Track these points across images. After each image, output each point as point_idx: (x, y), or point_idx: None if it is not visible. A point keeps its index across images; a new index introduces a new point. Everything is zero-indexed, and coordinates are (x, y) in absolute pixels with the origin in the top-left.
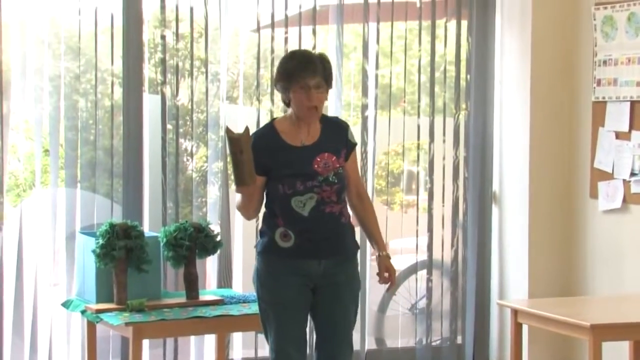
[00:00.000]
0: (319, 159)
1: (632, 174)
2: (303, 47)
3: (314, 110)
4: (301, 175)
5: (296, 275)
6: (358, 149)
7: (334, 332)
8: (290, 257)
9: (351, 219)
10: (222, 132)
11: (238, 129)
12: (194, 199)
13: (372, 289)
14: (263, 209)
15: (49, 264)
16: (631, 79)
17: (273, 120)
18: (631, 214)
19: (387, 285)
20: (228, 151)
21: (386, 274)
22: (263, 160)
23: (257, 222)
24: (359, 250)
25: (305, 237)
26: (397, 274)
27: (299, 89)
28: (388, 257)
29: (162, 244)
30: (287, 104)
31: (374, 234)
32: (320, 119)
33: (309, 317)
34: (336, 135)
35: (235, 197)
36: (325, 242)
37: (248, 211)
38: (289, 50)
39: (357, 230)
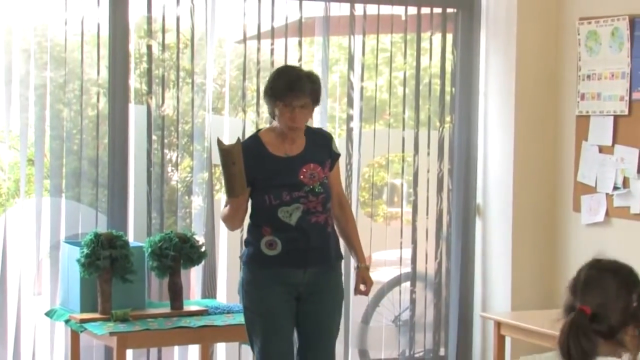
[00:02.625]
0: (304, 170)
1: (615, 188)
2: (289, 60)
3: (298, 130)
4: (287, 186)
5: (281, 285)
6: (342, 160)
7: (316, 341)
8: (276, 266)
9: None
10: (207, 143)
11: (223, 141)
12: (179, 210)
13: (356, 300)
14: (247, 220)
15: (33, 273)
16: (614, 93)
17: (258, 131)
18: (614, 227)
19: (368, 296)
20: (219, 162)
21: (362, 286)
22: (250, 172)
23: (242, 233)
24: (342, 260)
25: (292, 245)
26: (381, 285)
27: (284, 107)
28: (367, 269)
29: (146, 254)
30: (272, 116)
31: (354, 245)
32: (305, 131)
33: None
34: (320, 146)
35: (221, 208)
36: (311, 251)
37: (234, 222)
38: (274, 62)
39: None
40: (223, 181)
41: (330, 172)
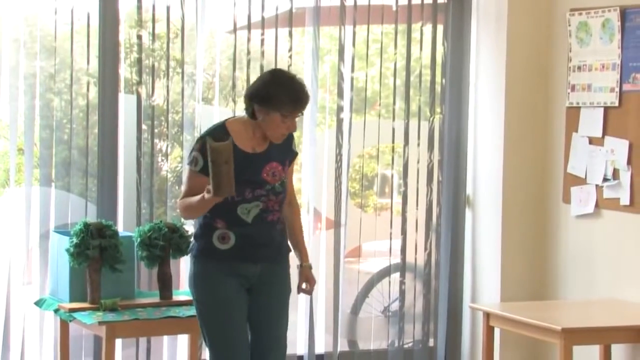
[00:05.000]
0: (268, 168)
1: (605, 180)
2: (280, 50)
3: (282, 137)
4: (250, 183)
5: (232, 276)
6: (333, 151)
7: (268, 332)
8: (227, 260)
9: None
10: (197, 133)
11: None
12: (168, 200)
13: (345, 292)
14: None
15: (22, 262)
16: (605, 85)
17: (225, 121)
18: (603, 219)
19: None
20: (209, 160)
21: (305, 285)
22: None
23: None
24: (290, 253)
25: (245, 241)
26: (370, 276)
27: (282, 118)
28: (309, 268)
29: (136, 244)
30: (253, 116)
31: (298, 244)
32: None
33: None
34: (283, 145)
35: (182, 199)
36: (263, 248)
37: (195, 215)
38: (264, 52)
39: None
40: (211, 180)
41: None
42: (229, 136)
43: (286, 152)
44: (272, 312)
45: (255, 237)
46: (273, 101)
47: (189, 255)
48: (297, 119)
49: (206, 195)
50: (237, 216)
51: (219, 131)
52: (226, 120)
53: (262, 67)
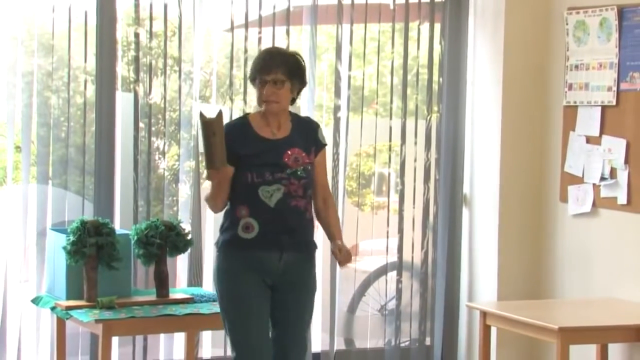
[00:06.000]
0: (289, 152)
1: (602, 179)
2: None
3: (272, 105)
4: (271, 166)
5: (256, 272)
6: (329, 149)
7: (288, 330)
8: (252, 249)
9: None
10: (194, 131)
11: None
12: (165, 198)
13: (342, 290)
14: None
15: (19, 260)
16: (602, 83)
17: (247, 114)
18: (600, 218)
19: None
20: (201, 135)
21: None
22: (234, 149)
23: None
24: (316, 251)
25: (269, 228)
26: (367, 275)
27: (260, 85)
28: (342, 244)
29: (133, 242)
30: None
31: (336, 234)
32: (292, 117)
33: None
34: (306, 134)
35: (204, 189)
36: (288, 235)
37: (217, 201)
38: (261, 49)
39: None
40: (203, 153)
41: (314, 161)
42: (248, 125)
43: (311, 140)
44: (293, 312)
45: (279, 221)
46: (250, 72)
47: (215, 247)
48: (278, 86)
49: (206, 177)
50: (260, 199)
51: (238, 119)
52: (248, 113)
53: None
